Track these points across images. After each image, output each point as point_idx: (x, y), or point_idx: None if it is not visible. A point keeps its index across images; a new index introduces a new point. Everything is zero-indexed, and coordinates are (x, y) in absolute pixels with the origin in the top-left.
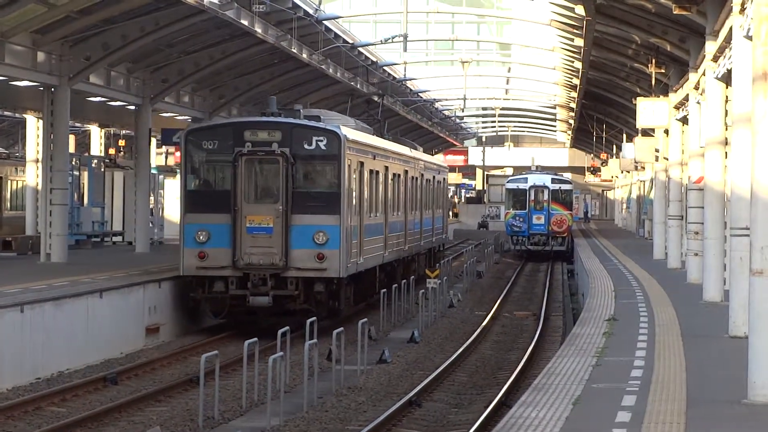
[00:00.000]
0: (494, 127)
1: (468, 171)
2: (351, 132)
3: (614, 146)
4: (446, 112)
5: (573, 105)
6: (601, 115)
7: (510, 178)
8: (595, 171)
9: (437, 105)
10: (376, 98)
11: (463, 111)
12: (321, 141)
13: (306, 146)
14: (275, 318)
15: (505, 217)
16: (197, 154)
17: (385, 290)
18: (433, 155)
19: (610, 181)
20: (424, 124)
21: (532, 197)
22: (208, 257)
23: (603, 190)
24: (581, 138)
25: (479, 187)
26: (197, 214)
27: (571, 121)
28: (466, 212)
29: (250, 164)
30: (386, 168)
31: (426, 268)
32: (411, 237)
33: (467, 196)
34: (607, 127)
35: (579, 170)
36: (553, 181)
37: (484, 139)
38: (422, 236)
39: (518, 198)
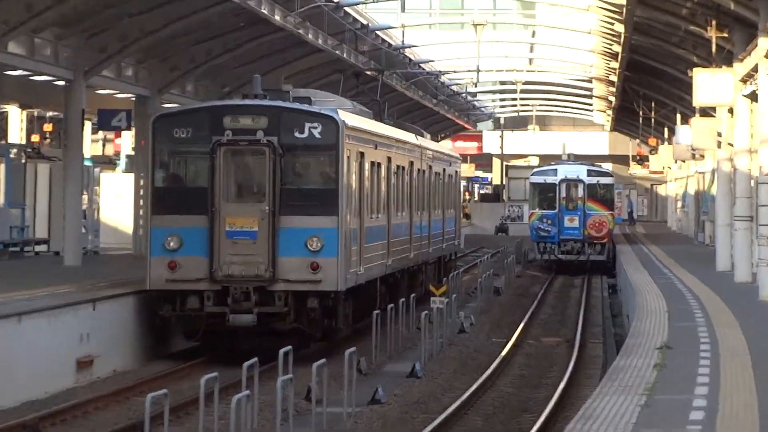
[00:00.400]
0: (515, 106)
1: (482, 161)
2: (350, 117)
3: (666, 129)
4: (455, 88)
5: (614, 78)
6: (649, 91)
7: (535, 169)
8: (641, 161)
9: (444, 79)
10: (369, 73)
11: (476, 86)
12: (315, 128)
13: (297, 134)
14: (260, 340)
15: (530, 219)
16: (167, 144)
17: (378, 312)
18: (438, 141)
19: (661, 173)
20: (427, 103)
21: (564, 194)
22: (180, 267)
23: (652, 185)
24: (624, 119)
25: (497, 181)
26: (167, 216)
27: (612, 98)
28: (480, 213)
29: (231, 156)
30: (389, 159)
31: (435, 280)
32: (417, 243)
33: (482, 192)
34: (656, 106)
35: (622, 159)
36: (590, 173)
37: (502, 121)
38: (431, 242)
39: (546, 195)
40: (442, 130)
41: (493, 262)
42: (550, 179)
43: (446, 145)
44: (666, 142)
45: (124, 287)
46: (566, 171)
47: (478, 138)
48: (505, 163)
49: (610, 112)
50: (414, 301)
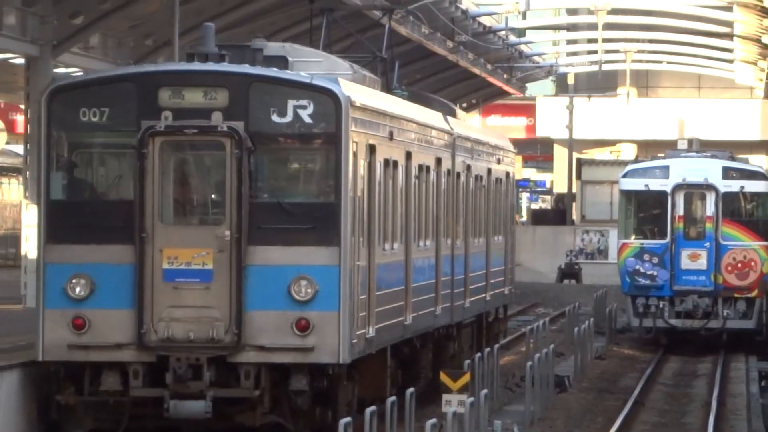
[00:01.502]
0: (595, 53)
1: (536, 152)
2: (356, 90)
3: None
4: (487, 21)
5: None
6: None
7: (630, 167)
8: None
9: (467, 4)
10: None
11: (524, 17)
12: (304, 108)
13: (276, 118)
14: None
15: (620, 256)
16: (70, 133)
17: (346, 420)
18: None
19: None
20: (438, 47)
21: (681, 210)
22: (92, 327)
23: None
24: None
25: (560, 187)
26: (70, 246)
27: None
28: (532, 244)
29: (171, 152)
30: (408, 155)
31: (472, 352)
32: (447, 291)
33: (534, 208)
34: None
35: None
36: (728, 173)
37: (572, 81)
38: (468, 290)
39: (649, 212)
40: (464, 95)
41: (554, 333)
42: (656, 184)
43: (470, 122)
44: None
45: None
46: (685, 170)
47: (528, 111)
48: (576, 155)
49: (764, 65)
50: (413, 397)
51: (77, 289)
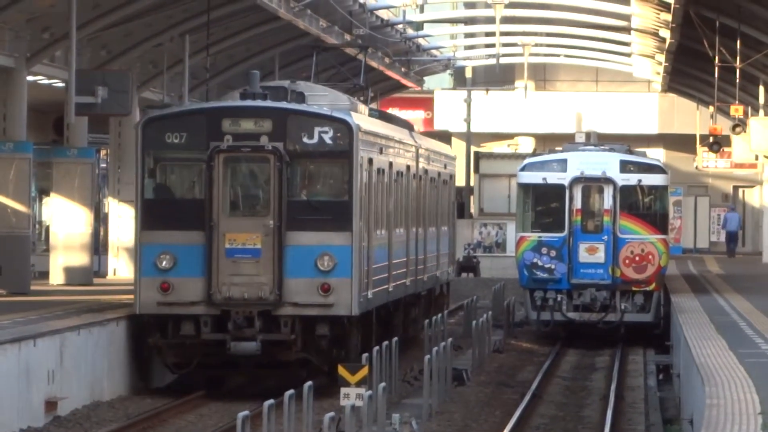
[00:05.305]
0: (492, 47)
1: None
2: (362, 119)
3: (762, 89)
4: (385, 14)
5: None
6: (732, 20)
7: (528, 160)
8: (714, 146)
9: None
10: (348, 49)
11: (421, 11)
12: (326, 133)
13: (306, 140)
14: (263, 371)
15: (518, 249)
16: (158, 151)
17: (245, 414)
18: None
19: (753, 166)
20: (337, 41)
21: (579, 203)
22: (174, 289)
23: (737, 188)
24: (687, 72)
25: (458, 180)
26: (158, 232)
27: (666, 34)
28: None
29: (231, 164)
30: (390, 165)
31: (424, 319)
32: (413, 267)
33: None
34: (744, 47)
35: (683, 143)
36: (625, 166)
37: (469, 75)
38: (426, 266)
39: (546, 205)
40: (361, 89)
41: (452, 326)
42: (553, 178)
43: (433, 141)
44: (763, 112)
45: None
46: (583, 163)
47: (426, 104)
48: (474, 148)
49: (661, 58)
50: (311, 390)
51: (164, 263)
